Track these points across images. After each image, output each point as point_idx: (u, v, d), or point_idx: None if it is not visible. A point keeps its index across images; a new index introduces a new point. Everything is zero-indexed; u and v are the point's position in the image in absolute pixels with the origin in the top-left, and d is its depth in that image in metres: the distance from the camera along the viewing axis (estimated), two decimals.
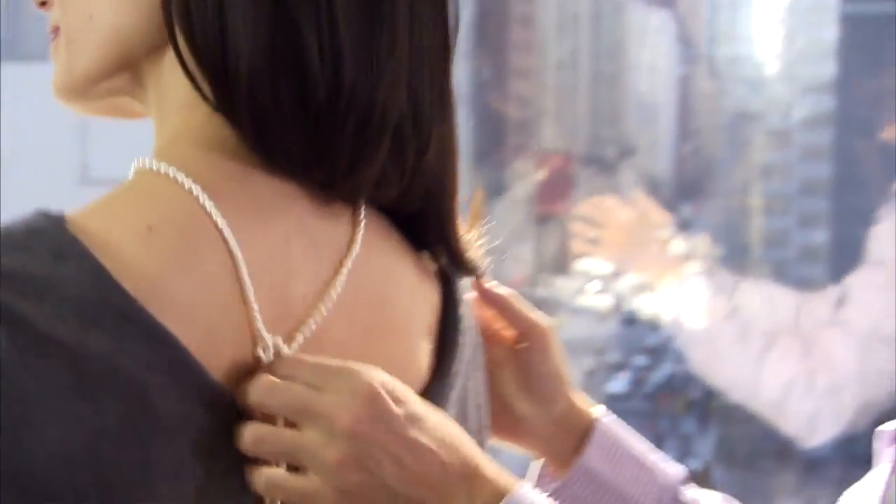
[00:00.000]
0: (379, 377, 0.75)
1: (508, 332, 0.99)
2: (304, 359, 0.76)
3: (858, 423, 2.40)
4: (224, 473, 0.72)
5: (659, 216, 2.46)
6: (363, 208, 0.83)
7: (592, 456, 0.98)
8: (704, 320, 2.47)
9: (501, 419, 1.00)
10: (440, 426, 0.77)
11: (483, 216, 0.91)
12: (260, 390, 0.74)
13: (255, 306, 0.74)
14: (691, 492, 1.02)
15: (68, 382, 0.67)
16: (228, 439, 0.73)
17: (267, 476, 0.74)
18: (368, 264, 0.81)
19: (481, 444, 0.89)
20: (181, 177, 0.75)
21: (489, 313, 0.99)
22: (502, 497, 0.77)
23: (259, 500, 0.75)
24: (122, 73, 0.81)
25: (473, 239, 0.90)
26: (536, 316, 0.98)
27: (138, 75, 0.81)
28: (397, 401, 0.75)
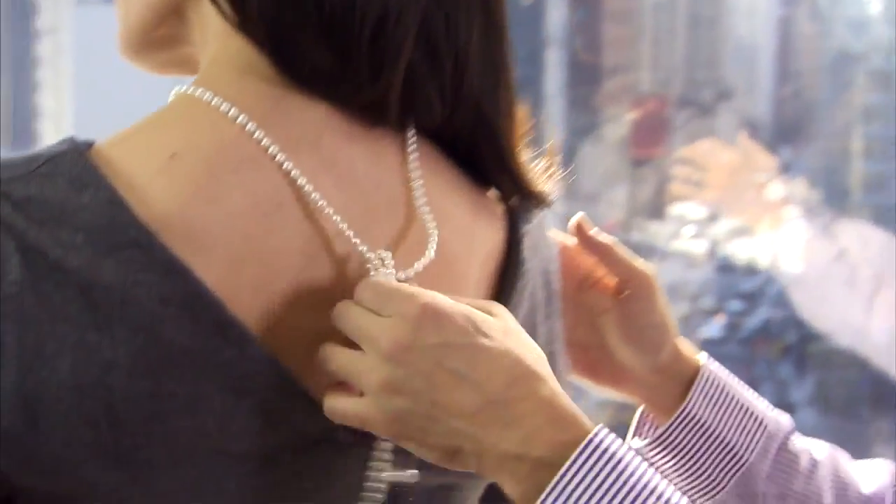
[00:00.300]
0: (433, 301, 0.73)
1: (610, 280, 0.96)
2: (369, 280, 0.73)
3: None
4: (251, 411, 0.70)
5: (763, 159, 2.45)
6: (412, 142, 0.79)
7: (696, 403, 0.95)
8: (807, 264, 2.47)
9: (603, 366, 0.97)
10: (506, 354, 0.73)
11: (559, 153, 0.85)
12: (334, 313, 0.72)
13: (337, 218, 0.72)
14: (800, 441, 0.99)
15: (81, 312, 0.67)
16: (255, 376, 0.70)
17: (326, 397, 0.72)
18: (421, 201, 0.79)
19: None
20: (217, 100, 0.74)
21: (591, 260, 0.96)
22: (578, 441, 0.71)
23: (288, 442, 0.72)
24: (171, 17, 0.80)
25: (543, 170, 0.85)
26: (639, 263, 0.95)
27: (184, 17, 0.80)
28: (453, 326, 0.72)
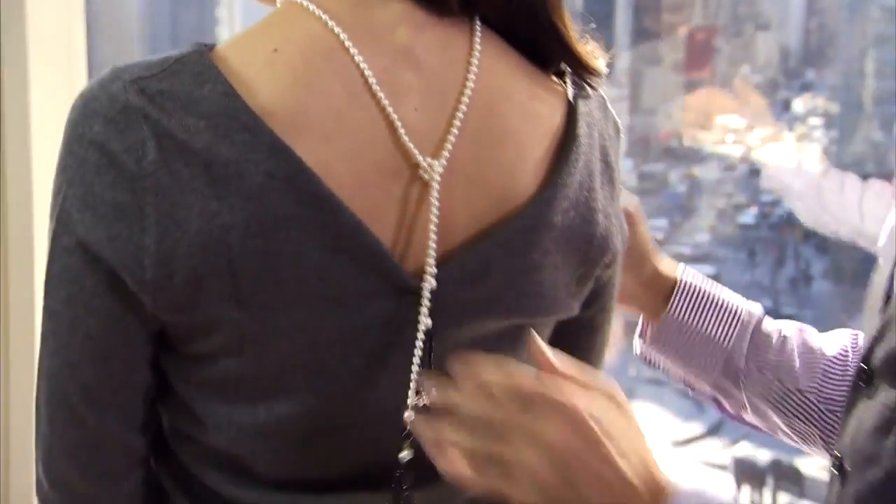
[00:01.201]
0: (581, 403, 0.74)
1: None
2: (496, 376, 0.75)
3: None
4: (345, 264, 0.75)
5: (755, 99, 3.53)
6: (478, 30, 0.82)
7: (678, 307, 1.07)
8: (802, 181, 3.46)
9: None
10: (631, 441, 0.76)
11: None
12: (462, 396, 0.74)
13: (399, 123, 0.76)
14: (771, 323, 1.09)
15: (205, 186, 0.73)
16: (348, 237, 0.75)
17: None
18: (482, 81, 0.80)
19: (605, 247, 0.86)
20: (307, 3, 0.78)
21: None
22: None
23: (375, 289, 0.77)
24: None
25: (594, 51, 0.86)
26: (624, 201, 0.94)
27: None
28: (598, 422, 0.74)
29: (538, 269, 0.81)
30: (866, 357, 0.89)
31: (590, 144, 0.85)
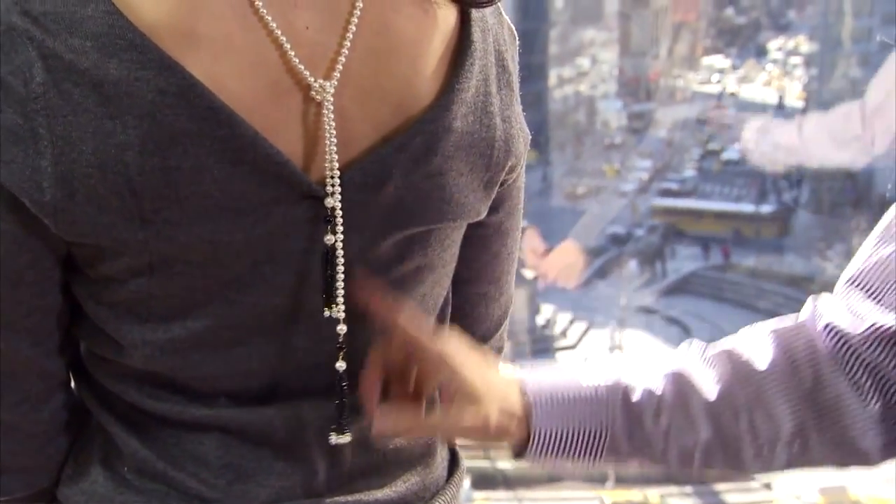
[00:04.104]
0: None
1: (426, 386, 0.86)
2: None
3: None
4: (246, 176, 0.72)
5: None
6: None
7: (541, 425, 0.90)
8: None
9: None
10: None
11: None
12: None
13: (287, 45, 0.73)
14: (637, 391, 0.92)
15: (96, 105, 0.70)
16: (246, 149, 0.72)
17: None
18: (372, 3, 0.76)
19: (508, 151, 0.83)
20: None
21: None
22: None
23: (279, 197, 0.74)
24: None
25: None
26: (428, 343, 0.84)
27: None
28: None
29: (441, 174, 0.78)
30: None
31: (485, 50, 0.82)
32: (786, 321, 0.98)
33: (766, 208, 30.26)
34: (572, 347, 26.16)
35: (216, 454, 0.79)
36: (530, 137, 0.87)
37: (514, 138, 0.83)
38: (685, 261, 30.80)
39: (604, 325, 24.93)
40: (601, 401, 0.91)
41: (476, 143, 0.80)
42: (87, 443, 0.83)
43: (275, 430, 0.80)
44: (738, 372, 0.94)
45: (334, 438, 0.80)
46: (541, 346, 24.36)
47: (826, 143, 2.75)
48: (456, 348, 0.84)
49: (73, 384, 0.84)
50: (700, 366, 0.95)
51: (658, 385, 0.93)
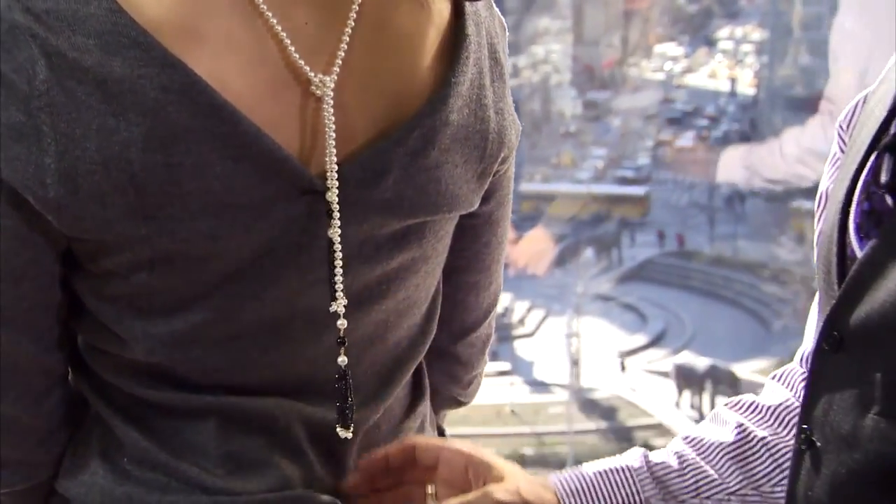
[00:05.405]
0: None
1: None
2: None
3: None
4: (248, 172, 0.73)
5: None
6: None
7: (571, 500, 0.90)
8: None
9: None
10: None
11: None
12: None
13: (287, 40, 0.74)
14: (654, 456, 0.94)
15: (99, 102, 0.70)
16: (248, 146, 0.73)
17: None
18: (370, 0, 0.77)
19: (501, 142, 0.85)
20: None
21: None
22: None
23: (280, 193, 0.75)
24: None
25: None
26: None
27: None
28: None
29: (438, 167, 0.80)
30: (833, 320, 0.78)
31: (479, 43, 0.83)
32: (783, 367, 1.00)
33: (720, 195, 30.56)
34: (530, 335, 26.31)
35: (215, 444, 0.80)
36: (521, 129, 0.88)
37: (506, 130, 0.85)
38: (641, 248, 31.02)
39: (561, 312, 25.08)
40: (627, 470, 0.92)
41: (471, 135, 0.81)
42: (85, 435, 0.84)
43: (274, 421, 0.81)
44: (749, 416, 0.96)
45: (341, 433, 0.81)
46: (499, 333, 24.47)
47: (812, 159, 2.75)
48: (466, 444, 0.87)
49: (70, 377, 0.84)
50: (713, 420, 0.97)
51: (677, 446, 0.95)
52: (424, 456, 0.86)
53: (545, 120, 39.68)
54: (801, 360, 0.96)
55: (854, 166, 0.80)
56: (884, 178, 0.77)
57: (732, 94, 41.20)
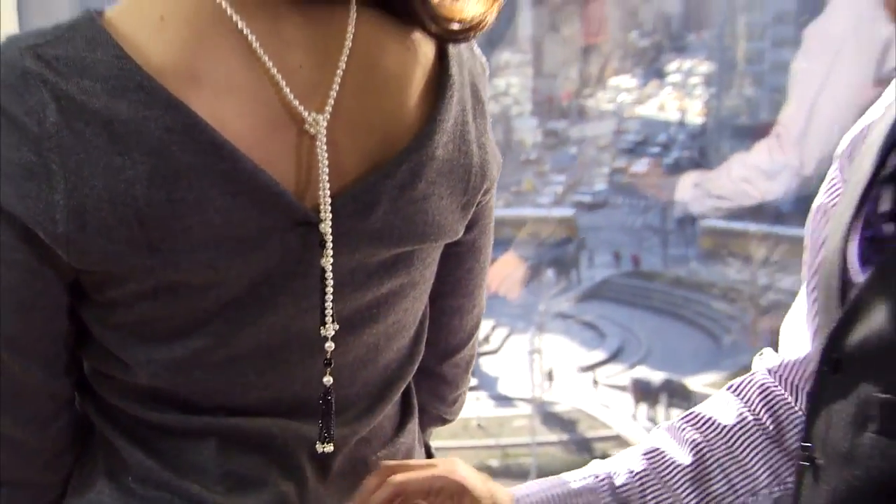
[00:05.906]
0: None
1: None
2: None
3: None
4: (246, 206, 0.74)
5: None
6: (353, 8, 0.79)
7: None
8: None
9: None
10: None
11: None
12: None
13: (283, 82, 0.75)
14: (621, 475, 0.93)
15: (106, 142, 0.72)
16: (247, 182, 0.74)
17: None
18: (360, 44, 0.79)
19: (483, 175, 0.86)
20: None
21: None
22: None
23: (277, 225, 0.76)
24: None
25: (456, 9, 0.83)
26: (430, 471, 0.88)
27: None
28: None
29: (425, 199, 0.81)
30: (833, 342, 0.79)
31: (461, 82, 0.84)
32: (740, 378, 1.00)
33: (673, 217, 30.77)
34: (495, 352, 26.28)
35: (216, 462, 0.80)
36: (501, 161, 0.90)
37: (488, 163, 0.86)
38: (598, 269, 31.14)
39: (524, 330, 25.10)
40: (590, 491, 0.92)
41: (455, 168, 0.83)
42: (92, 456, 0.84)
43: (271, 440, 0.81)
44: (706, 434, 0.95)
45: (319, 447, 0.82)
46: None
47: (757, 178, 2.82)
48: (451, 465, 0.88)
49: (77, 401, 0.85)
50: (672, 435, 0.96)
51: (637, 464, 0.94)
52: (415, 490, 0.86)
53: (507, 148, 39.87)
54: (772, 371, 0.96)
55: (856, 196, 0.81)
56: (883, 207, 0.79)
57: (682, 123, 41.61)
